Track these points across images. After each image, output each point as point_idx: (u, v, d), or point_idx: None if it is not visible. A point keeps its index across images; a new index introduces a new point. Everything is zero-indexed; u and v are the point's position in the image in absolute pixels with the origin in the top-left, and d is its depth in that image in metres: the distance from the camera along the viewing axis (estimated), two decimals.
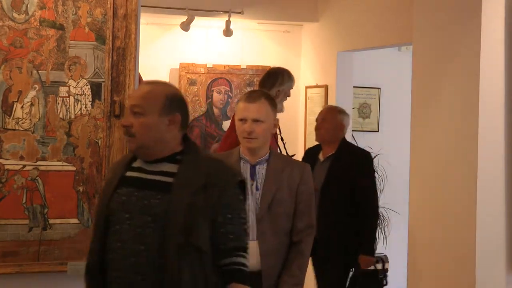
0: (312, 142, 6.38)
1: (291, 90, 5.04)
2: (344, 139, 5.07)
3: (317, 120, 5.21)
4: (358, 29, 5.91)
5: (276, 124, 3.46)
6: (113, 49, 3.44)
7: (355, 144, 5.60)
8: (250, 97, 3.40)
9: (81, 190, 3.37)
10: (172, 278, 2.39)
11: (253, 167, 3.36)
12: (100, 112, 3.42)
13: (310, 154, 5.22)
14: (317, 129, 5.15)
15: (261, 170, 3.36)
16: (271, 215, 3.30)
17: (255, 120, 3.33)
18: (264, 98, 3.39)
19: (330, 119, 5.08)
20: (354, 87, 6.35)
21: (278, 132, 4.87)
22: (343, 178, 4.89)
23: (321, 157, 5.06)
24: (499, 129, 4.18)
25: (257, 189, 3.33)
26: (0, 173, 3.27)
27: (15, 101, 3.32)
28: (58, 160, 3.35)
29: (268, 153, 3.41)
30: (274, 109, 3.42)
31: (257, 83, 6.60)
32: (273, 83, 4.91)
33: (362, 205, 4.86)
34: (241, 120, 3.36)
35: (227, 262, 2.49)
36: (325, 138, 5.07)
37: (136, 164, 2.60)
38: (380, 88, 7.00)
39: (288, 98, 5.02)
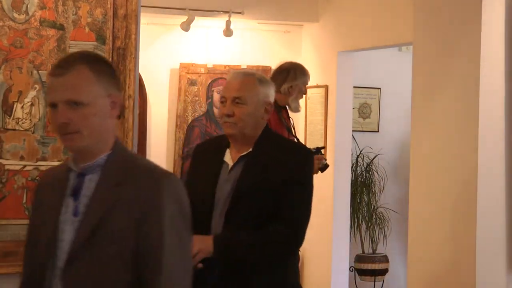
0: (312, 142, 6.38)
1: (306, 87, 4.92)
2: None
3: None
4: (358, 29, 5.91)
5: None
6: (113, 49, 3.44)
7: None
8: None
9: None
10: None
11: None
12: None
13: None
14: None
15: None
16: None
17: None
18: None
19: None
20: (354, 87, 6.35)
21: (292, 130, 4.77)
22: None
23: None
24: (499, 129, 4.18)
25: None
26: (0, 173, 3.27)
27: (15, 101, 3.32)
28: (58, 160, 3.35)
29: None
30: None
31: None
32: (284, 78, 4.76)
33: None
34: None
35: None
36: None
37: None
38: (380, 88, 7.00)
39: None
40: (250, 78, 2.92)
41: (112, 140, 2.09)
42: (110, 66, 2.16)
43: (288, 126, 4.73)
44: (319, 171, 4.76)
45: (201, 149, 3.15)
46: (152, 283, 1.97)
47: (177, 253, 2.02)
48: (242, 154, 2.92)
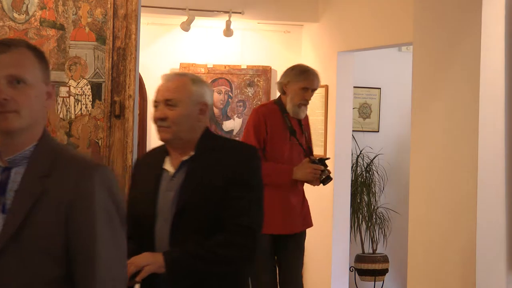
0: (313, 142, 6.39)
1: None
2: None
3: None
4: (358, 29, 5.91)
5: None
6: (114, 49, 3.44)
7: None
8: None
9: None
10: None
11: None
12: (100, 112, 3.43)
13: None
14: None
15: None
16: None
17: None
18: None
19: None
20: (354, 87, 6.35)
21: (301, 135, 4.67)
22: None
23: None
24: (499, 129, 4.18)
25: None
26: None
27: None
28: None
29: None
30: None
31: (257, 83, 6.61)
32: (281, 77, 4.77)
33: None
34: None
35: None
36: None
37: None
38: (380, 88, 7.00)
39: (307, 101, 4.68)
40: (182, 78, 2.76)
41: (41, 131, 1.97)
42: (46, 59, 2.09)
43: (292, 128, 4.65)
44: (321, 183, 4.66)
45: (141, 162, 2.99)
46: (86, 276, 1.88)
47: (110, 244, 1.91)
48: (183, 160, 2.73)
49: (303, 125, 4.77)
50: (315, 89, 4.78)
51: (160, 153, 2.80)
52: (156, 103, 2.74)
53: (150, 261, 2.59)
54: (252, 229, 2.70)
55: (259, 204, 2.78)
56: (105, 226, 1.91)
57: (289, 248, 4.71)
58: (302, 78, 4.69)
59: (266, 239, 4.59)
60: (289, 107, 4.67)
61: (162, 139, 2.75)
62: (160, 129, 2.72)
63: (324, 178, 4.62)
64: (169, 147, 2.76)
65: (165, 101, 2.70)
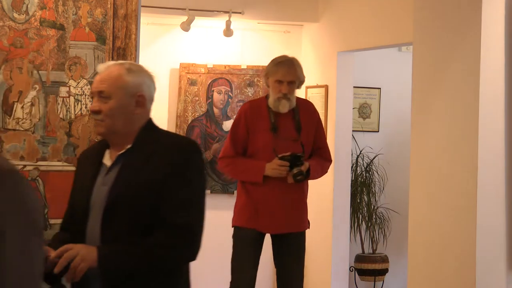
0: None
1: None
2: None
3: None
4: (358, 29, 5.91)
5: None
6: (114, 49, 3.44)
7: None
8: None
9: None
10: None
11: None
12: None
13: None
14: None
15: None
16: None
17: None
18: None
19: None
20: (354, 87, 6.35)
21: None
22: None
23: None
24: (499, 129, 4.18)
25: None
26: None
27: (16, 101, 3.32)
28: (58, 160, 3.35)
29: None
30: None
31: (257, 83, 6.61)
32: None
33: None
34: None
35: None
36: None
37: None
38: (380, 88, 7.00)
39: (285, 95, 4.46)
40: (116, 68, 2.57)
41: None
42: None
43: (274, 124, 4.49)
44: (293, 180, 4.45)
45: (83, 155, 2.83)
46: None
47: (20, 259, 1.68)
48: (119, 153, 2.58)
49: (301, 121, 4.57)
50: (293, 82, 4.52)
51: (101, 146, 2.68)
52: (92, 95, 2.60)
53: (83, 254, 2.44)
54: (189, 228, 2.51)
55: (199, 201, 2.57)
56: (13, 239, 1.67)
57: (283, 249, 4.62)
58: (275, 71, 4.55)
59: (249, 234, 4.54)
60: (270, 101, 4.56)
61: (97, 133, 2.65)
62: (95, 122, 2.60)
63: (295, 173, 4.43)
64: (107, 140, 2.64)
65: (98, 93, 2.55)
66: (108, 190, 2.54)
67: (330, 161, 4.78)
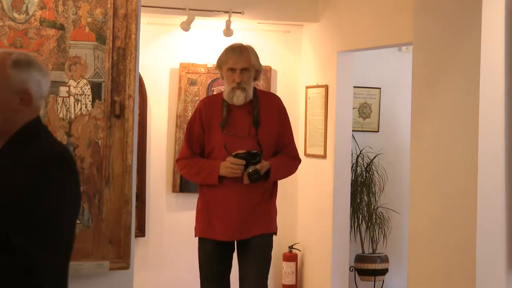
0: (313, 141, 6.39)
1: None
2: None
3: None
4: (358, 29, 5.91)
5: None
6: (114, 49, 3.44)
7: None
8: None
9: (81, 190, 3.37)
10: None
11: None
12: (100, 112, 3.43)
13: None
14: None
15: None
16: None
17: None
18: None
19: None
20: (354, 87, 6.35)
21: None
22: None
23: None
24: (499, 129, 4.18)
25: None
26: None
27: None
28: None
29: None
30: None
31: (257, 82, 6.61)
32: None
33: None
34: None
35: None
36: None
37: None
38: (380, 88, 7.00)
39: (239, 84, 4.15)
40: (1, 57, 2.24)
41: None
42: None
43: (225, 119, 4.20)
44: (249, 180, 4.14)
45: None
46: None
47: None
48: None
49: (260, 116, 4.23)
50: (246, 69, 4.20)
51: None
52: None
53: None
54: (27, 254, 2.10)
55: (50, 220, 2.14)
56: None
57: (243, 255, 4.25)
58: (226, 59, 4.21)
59: (207, 246, 4.23)
60: (224, 93, 4.24)
61: None
62: None
63: (250, 172, 4.12)
64: None
65: None
66: None
67: (298, 159, 4.42)
